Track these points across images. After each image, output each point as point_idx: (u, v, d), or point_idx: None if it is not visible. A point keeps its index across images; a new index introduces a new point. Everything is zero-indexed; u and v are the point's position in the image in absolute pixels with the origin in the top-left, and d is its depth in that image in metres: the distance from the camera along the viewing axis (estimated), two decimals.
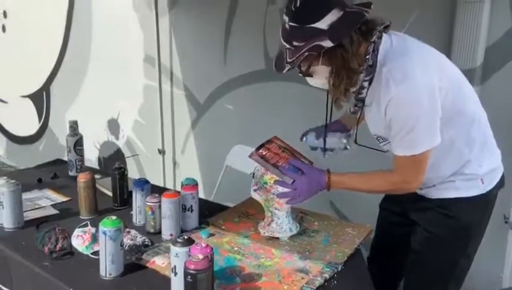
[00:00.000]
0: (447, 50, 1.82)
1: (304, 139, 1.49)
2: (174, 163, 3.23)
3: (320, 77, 1.22)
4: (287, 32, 1.16)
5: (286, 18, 1.15)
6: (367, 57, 1.17)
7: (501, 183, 1.33)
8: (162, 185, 2.95)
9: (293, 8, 1.13)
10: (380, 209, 1.56)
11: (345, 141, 1.44)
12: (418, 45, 1.23)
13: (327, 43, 1.11)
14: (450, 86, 1.19)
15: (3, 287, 1.42)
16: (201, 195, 1.53)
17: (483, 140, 1.29)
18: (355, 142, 1.32)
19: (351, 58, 1.15)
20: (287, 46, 1.16)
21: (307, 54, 1.13)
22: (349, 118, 1.43)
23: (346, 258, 1.30)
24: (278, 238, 1.42)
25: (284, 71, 1.18)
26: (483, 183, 1.28)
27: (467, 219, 1.30)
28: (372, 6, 1.16)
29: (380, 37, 1.18)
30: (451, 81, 1.21)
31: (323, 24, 1.10)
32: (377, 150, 1.32)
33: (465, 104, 1.24)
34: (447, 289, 1.38)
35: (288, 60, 1.16)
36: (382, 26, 1.18)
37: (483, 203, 1.32)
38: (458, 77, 1.26)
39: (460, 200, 1.28)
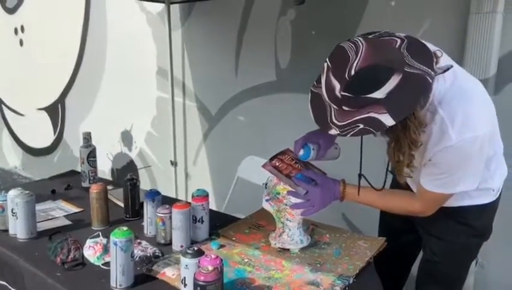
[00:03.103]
0: (460, 60, 1.81)
1: (302, 152, 1.35)
2: (186, 174, 3.24)
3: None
4: (336, 98, 1.02)
5: (335, 82, 1.01)
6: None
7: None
8: (174, 196, 2.97)
9: (346, 77, 0.98)
10: (381, 213, 1.53)
11: (338, 150, 1.43)
12: (474, 83, 1.15)
13: (387, 120, 0.97)
14: (494, 128, 1.15)
15: None
16: (213, 206, 1.53)
17: (497, 153, 1.27)
18: (390, 171, 1.21)
19: (413, 129, 1.04)
20: (335, 107, 1.04)
21: (361, 127, 1.00)
22: None
23: (357, 271, 1.28)
24: (288, 250, 1.41)
25: (329, 132, 1.06)
26: (494, 191, 1.30)
27: (481, 225, 1.32)
28: (440, 59, 1.04)
29: None
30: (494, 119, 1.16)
31: (380, 93, 0.97)
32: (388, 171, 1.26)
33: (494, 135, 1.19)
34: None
35: (336, 123, 1.04)
36: (442, 72, 1.04)
37: (494, 209, 1.33)
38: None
39: (474, 208, 1.28)
